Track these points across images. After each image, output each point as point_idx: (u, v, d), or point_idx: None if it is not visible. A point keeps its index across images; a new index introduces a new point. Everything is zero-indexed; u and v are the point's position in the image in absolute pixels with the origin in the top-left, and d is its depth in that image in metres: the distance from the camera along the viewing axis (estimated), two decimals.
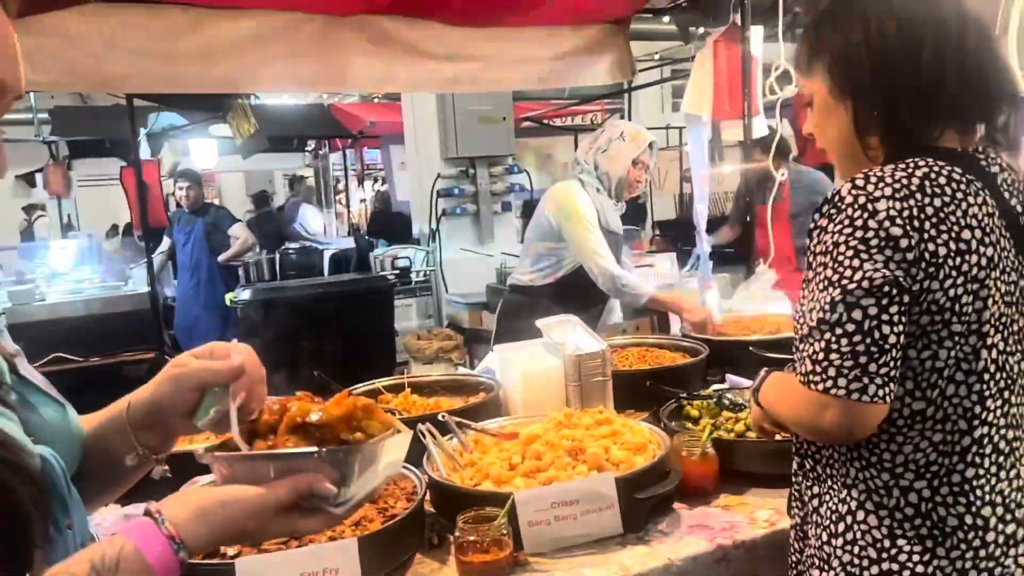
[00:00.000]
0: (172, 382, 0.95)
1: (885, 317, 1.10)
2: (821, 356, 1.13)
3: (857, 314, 1.11)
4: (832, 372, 1.12)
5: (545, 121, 8.57)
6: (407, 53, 3.18)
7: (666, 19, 5.05)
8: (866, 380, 1.10)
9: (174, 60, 2.86)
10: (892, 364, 1.11)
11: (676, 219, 8.84)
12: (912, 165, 1.15)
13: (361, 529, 1.44)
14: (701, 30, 4.83)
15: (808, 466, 1.31)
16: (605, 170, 3.21)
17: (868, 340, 1.10)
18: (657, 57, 7.98)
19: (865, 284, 1.10)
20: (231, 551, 1.34)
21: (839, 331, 1.12)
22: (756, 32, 3.44)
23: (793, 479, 1.37)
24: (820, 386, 1.13)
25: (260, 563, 1.28)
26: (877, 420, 1.14)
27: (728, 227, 5.23)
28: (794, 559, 1.37)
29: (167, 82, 2.97)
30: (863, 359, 1.10)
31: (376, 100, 9.02)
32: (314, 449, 0.83)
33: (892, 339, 1.10)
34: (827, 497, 1.25)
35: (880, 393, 1.11)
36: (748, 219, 4.02)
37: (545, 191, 3.52)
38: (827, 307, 1.13)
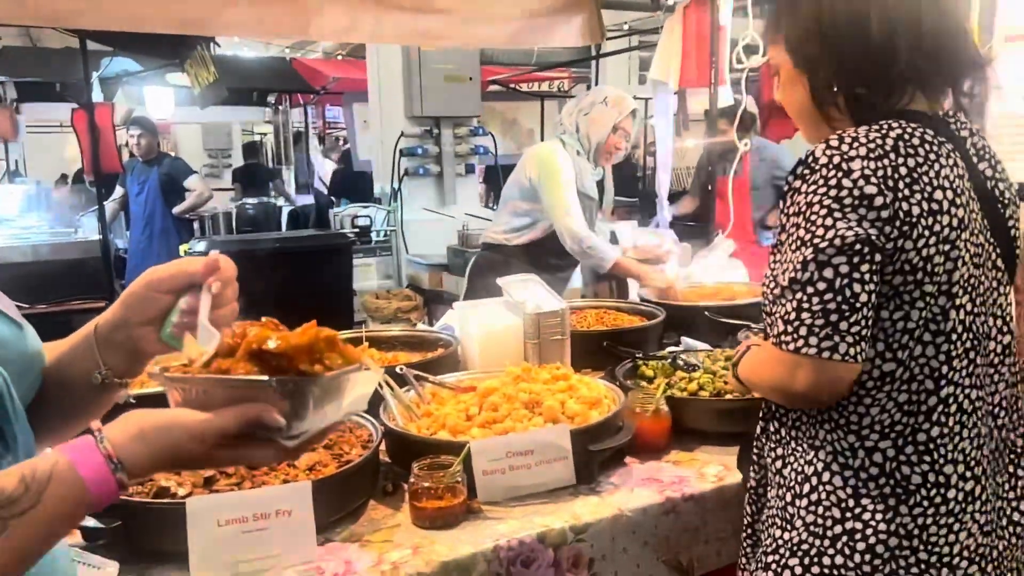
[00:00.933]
0: (144, 288, 0.91)
1: (856, 275, 1.10)
2: (793, 316, 1.13)
3: (828, 272, 1.11)
4: (803, 331, 1.12)
5: (512, 86, 8.49)
6: (373, 3, 3.10)
7: None
8: (837, 339, 1.10)
9: None
10: (864, 323, 1.11)
11: (638, 191, 8.88)
12: (886, 126, 1.17)
13: (315, 473, 1.44)
14: (671, 1, 4.81)
15: (773, 428, 1.31)
16: (585, 133, 3.21)
17: (839, 298, 1.10)
18: (626, 27, 7.93)
19: (837, 242, 1.10)
20: (182, 491, 1.33)
21: (810, 290, 1.11)
22: (726, 0, 3.45)
23: (755, 443, 1.37)
24: (791, 345, 1.13)
25: (211, 503, 1.27)
26: (850, 380, 1.14)
27: (688, 198, 5.27)
28: (748, 520, 1.39)
29: (123, 20, 2.85)
30: (834, 317, 1.10)
31: (340, 56, 8.83)
32: (264, 378, 0.79)
33: (863, 297, 1.11)
34: (791, 459, 1.26)
35: (852, 352, 1.11)
36: (709, 188, 4.05)
37: (510, 155, 3.50)
38: (799, 266, 1.13)
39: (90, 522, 1.28)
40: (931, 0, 1.21)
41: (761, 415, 1.37)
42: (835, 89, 1.22)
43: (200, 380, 0.81)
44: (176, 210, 6.11)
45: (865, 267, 1.11)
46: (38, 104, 9.47)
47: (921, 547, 1.15)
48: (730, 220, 3.71)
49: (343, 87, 8.28)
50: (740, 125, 3.65)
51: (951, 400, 1.17)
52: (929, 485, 1.16)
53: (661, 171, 4.12)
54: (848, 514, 1.17)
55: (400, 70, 5.82)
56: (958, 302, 1.16)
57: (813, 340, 1.11)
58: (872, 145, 1.14)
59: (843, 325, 1.11)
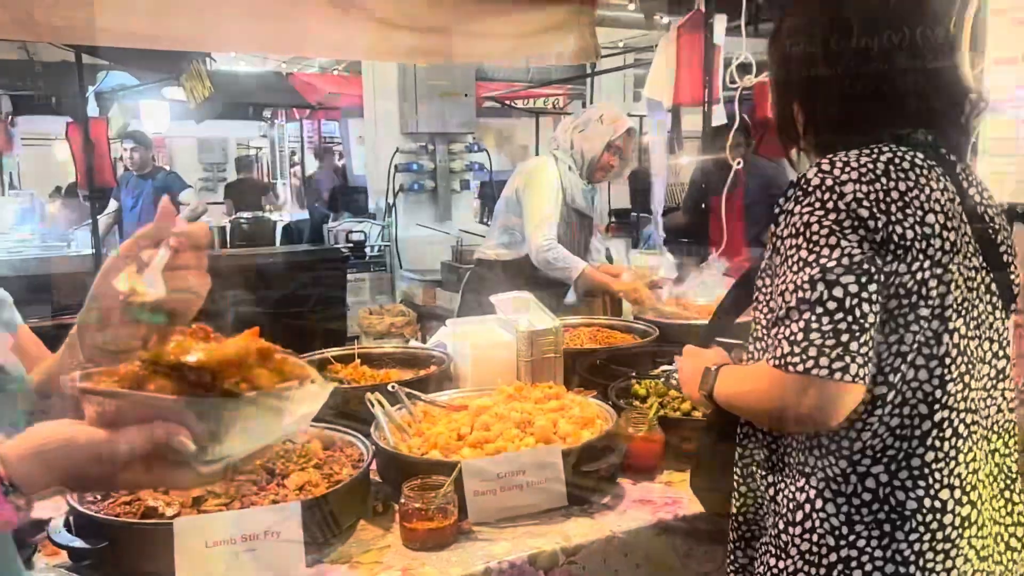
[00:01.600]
0: (112, 259, 0.85)
1: (864, 295, 1.09)
2: (800, 336, 1.10)
3: (838, 291, 1.09)
4: (812, 352, 1.09)
5: (507, 102, 8.52)
6: (368, 20, 3.12)
7: (631, 6, 5.04)
8: (847, 359, 1.08)
9: (126, 12, 2.76)
10: (870, 344, 1.10)
11: (632, 208, 8.90)
12: (876, 150, 1.17)
13: (304, 493, 1.43)
14: (665, 19, 4.85)
15: (762, 456, 1.29)
16: (579, 149, 3.21)
17: (849, 318, 1.09)
18: (621, 45, 7.99)
19: (845, 261, 1.10)
20: (170, 511, 1.32)
21: (819, 309, 1.10)
22: (719, 20, 3.47)
23: (735, 468, 1.35)
24: (800, 367, 1.10)
25: (198, 523, 1.26)
26: (855, 403, 1.12)
27: (679, 214, 5.28)
28: (731, 547, 1.38)
29: (119, 36, 2.86)
30: (844, 337, 1.08)
31: (336, 72, 8.85)
32: (171, 397, 0.70)
33: (871, 318, 1.10)
34: (783, 486, 1.24)
35: (860, 373, 1.09)
36: (704, 206, 4.07)
37: (505, 171, 3.51)
38: (806, 286, 1.11)
39: (76, 542, 1.27)
40: (917, 49, 1.20)
41: (739, 440, 1.34)
42: (813, 132, 1.28)
43: (108, 394, 0.73)
44: None
45: (872, 287, 1.10)
46: (33, 117, 9.46)
47: (917, 573, 1.14)
48: (724, 237, 3.72)
49: (339, 102, 8.31)
50: (733, 143, 3.66)
51: (946, 425, 1.17)
52: (924, 511, 1.15)
53: (656, 188, 4.14)
54: (843, 542, 1.16)
55: (396, 86, 5.85)
56: (951, 326, 1.16)
57: (824, 361, 1.09)
58: (863, 169, 1.14)
59: (853, 345, 1.09)
